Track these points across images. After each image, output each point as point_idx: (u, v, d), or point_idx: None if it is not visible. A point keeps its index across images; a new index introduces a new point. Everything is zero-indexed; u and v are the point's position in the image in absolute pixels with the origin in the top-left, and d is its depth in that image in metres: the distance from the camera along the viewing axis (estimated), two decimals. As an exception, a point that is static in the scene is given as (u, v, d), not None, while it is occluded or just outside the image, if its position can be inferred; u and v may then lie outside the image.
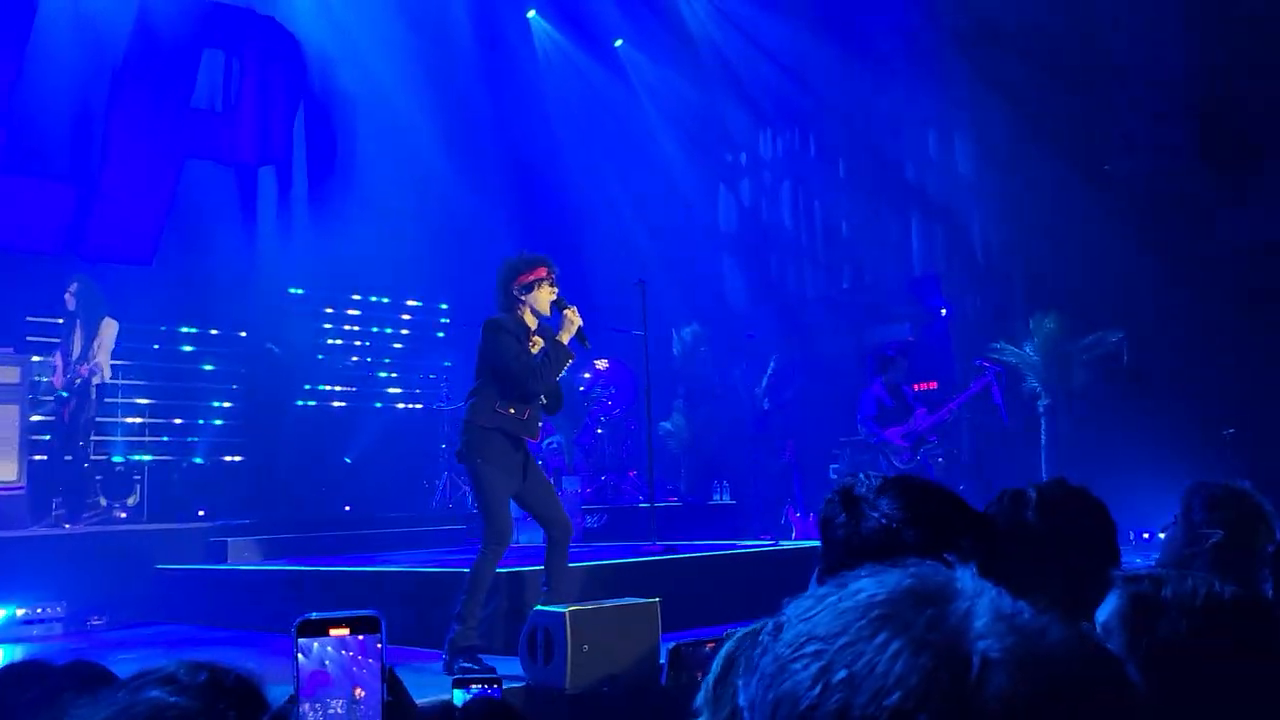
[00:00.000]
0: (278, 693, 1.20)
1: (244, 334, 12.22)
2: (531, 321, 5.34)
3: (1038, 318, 10.97)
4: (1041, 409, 11.03)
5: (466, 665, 4.95)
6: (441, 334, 14.15)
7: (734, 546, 7.86)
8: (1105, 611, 1.30)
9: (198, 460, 11.60)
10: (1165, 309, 10.92)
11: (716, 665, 1.97)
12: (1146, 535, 8.98)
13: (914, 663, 0.60)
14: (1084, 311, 10.94)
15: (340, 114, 12.86)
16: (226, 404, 12.08)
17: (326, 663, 1.12)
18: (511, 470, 5.23)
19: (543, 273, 5.33)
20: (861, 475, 1.47)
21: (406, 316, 14.04)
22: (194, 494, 10.85)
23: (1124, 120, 11.60)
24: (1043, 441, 10.96)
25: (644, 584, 6.48)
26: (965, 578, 0.67)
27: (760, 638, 0.73)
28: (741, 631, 2.03)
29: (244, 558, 8.81)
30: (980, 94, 12.01)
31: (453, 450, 12.04)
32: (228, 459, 11.83)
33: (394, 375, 13.66)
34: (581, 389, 11.37)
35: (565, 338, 5.26)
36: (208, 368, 12.09)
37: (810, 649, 0.65)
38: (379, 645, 1.13)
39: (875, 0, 12.76)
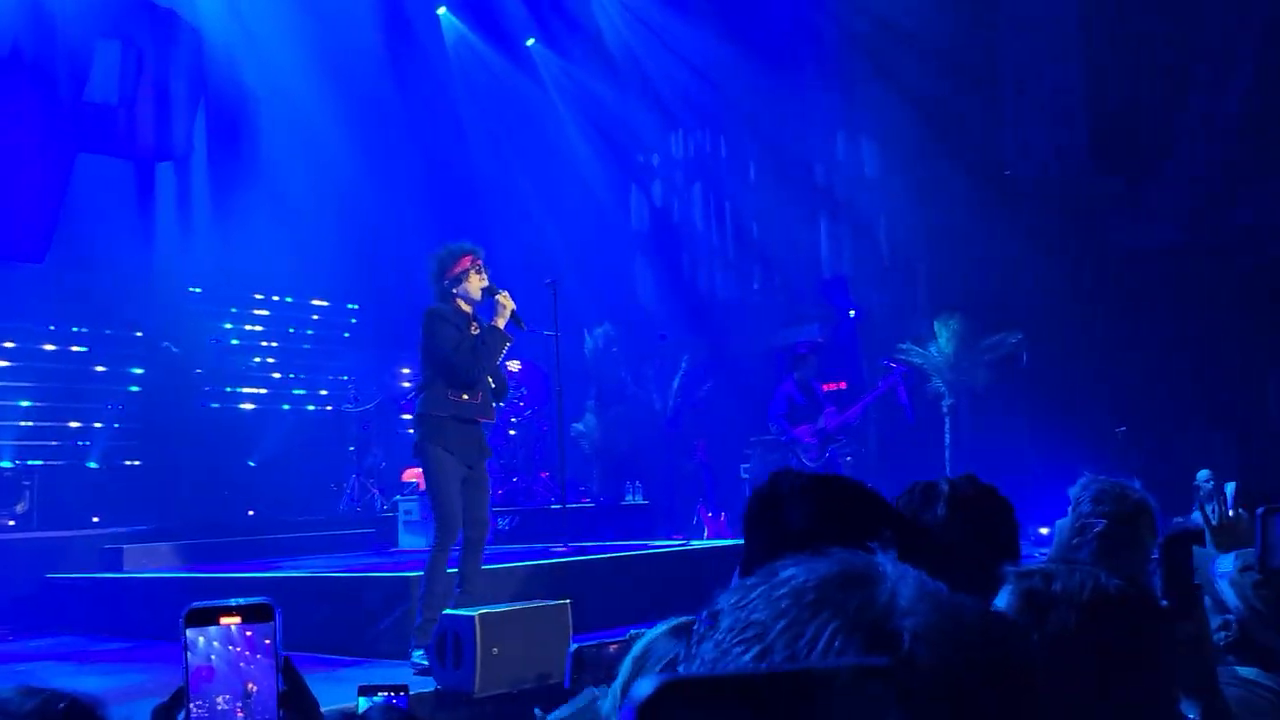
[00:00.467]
0: (130, 710, 1.14)
1: (140, 334, 11.82)
2: (467, 310, 5.43)
3: (942, 319, 11.23)
4: (945, 408, 11.29)
5: (421, 661, 5.04)
6: (349, 334, 13.90)
7: (646, 547, 7.88)
8: (998, 605, 1.33)
9: (92, 465, 11.19)
10: (1062, 310, 11.28)
11: (626, 668, 1.96)
12: (1045, 530, 9.25)
13: (849, 642, 0.64)
14: (985, 313, 11.23)
15: (244, 109, 12.52)
16: (123, 406, 11.68)
17: (213, 657, 1.06)
18: (466, 456, 5.31)
19: (467, 262, 5.42)
20: (785, 474, 1.47)
21: (314, 317, 13.75)
22: (88, 500, 10.45)
23: (1023, 126, 11.96)
24: (947, 440, 11.23)
25: (555, 586, 6.46)
26: (886, 562, 0.70)
27: (695, 628, 0.74)
28: (651, 633, 2.02)
29: (141, 565, 8.53)
30: (885, 98, 12.26)
31: (360, 452, 11.92)
32: (124, 463, 11.43)
33: (300, 376, 13.36)
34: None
35: (501, 322, 5.36)
36: (102, 369, 11.67)
37: (750, 633, 0.67)
38: (273, 635, 1.08)
39: (782, 3, 12.93)
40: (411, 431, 10.53)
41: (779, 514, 1.42)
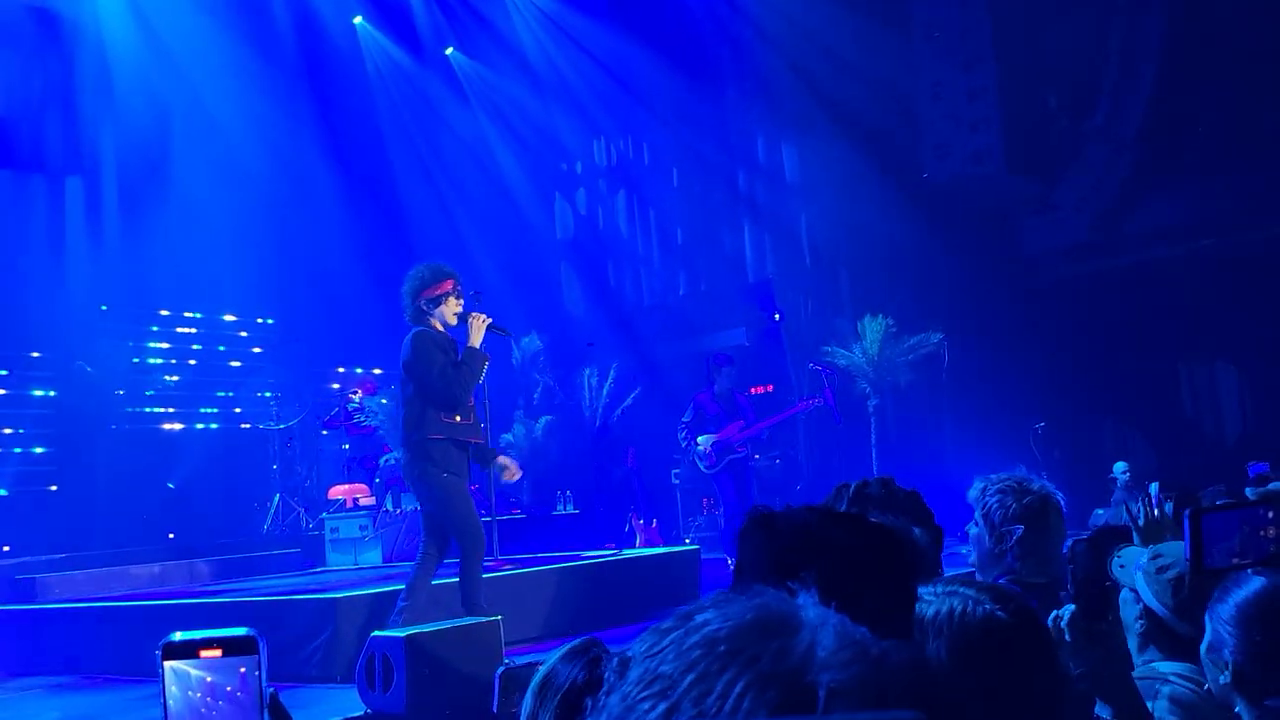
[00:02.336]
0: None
1: (50, 354, 11.43)
2: (442, 331, 5.41)
3: (865, 321, 11.39)
4: (871, 408, 11.45)
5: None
6: (267, 351, 13.60)
7: (578, 557, 7.83)
8: None
9: (1, 492, 10.79)
10: (980, 310, 11.52)
11: (528, 701, 1.93)
12: (969, 529, 9.38)
13: (761, 699, 0.60)
14: (907, 314, 11.42)
15: (155, 121, 12.20)
16: (34, 430, 11.29)
17: (192, 693, 1.01)
18: (466, 474, 5.45)
19: (449, 286, 5.37)
20: (786, 510, 1.42)
21: (237, 333, 13.44)
22: (-4, 528, 10.08)
23: (939, 131, 12.20)
24: (873, 439, 11.38)
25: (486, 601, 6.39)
26: (808, 607, 0.67)
27: (605, 675, 0.71)
28: (549, 661, 1.99)
29: (55, 595, 8.24)
30: (804, 104, 12.41)
31: (283, 471, 11.69)
32: (37, 489, 11.05)
33: (219, 394, 13.04)
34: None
35: (476, 341, 5.34)
36: (3, 392, 11.25)
37: (657, 688, 0.63)
38: (258, 669, 1.02)
39: (701, 10, 13.01)
40: (389, 460, 10.46)
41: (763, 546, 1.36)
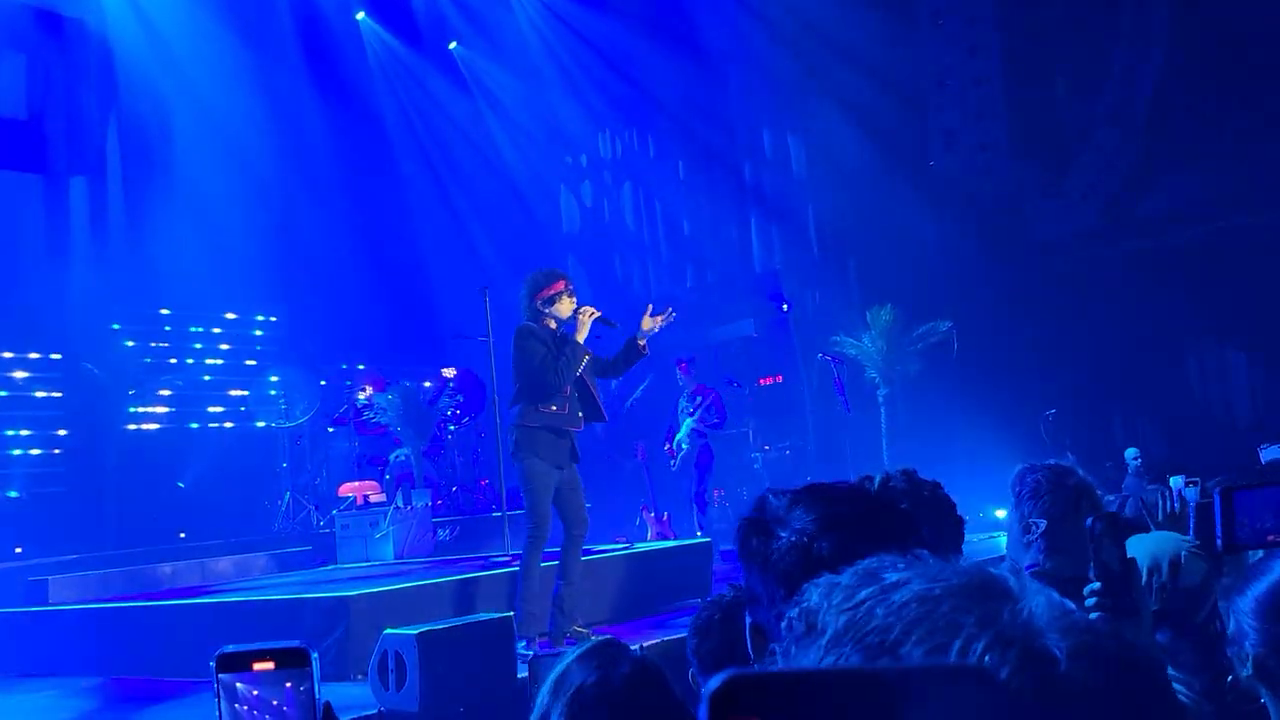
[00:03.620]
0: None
1: (59, 356, 11.44)
2: (554, 327, 5.83)
3: (873, 310, 11.35)
4: (881, 398, 11.41)
5: (524, 653, 5.27)
6: (276, 349, 13.56)
7: (589, 551, 7.81)
8: None
9: (12, 494, 10.80)
10: (989, 297, 11.47)
11: (544, 694, 1.93)
12: (980, 515, 9.41)
13: (1004, 656, 0.60)
14: (915, 302, 11.37)
15: (159, 121, 12.20)
16: (43, 431, 11.30)
17: (243, 706, 1.00)
18: (559, 462, 5.74)
19: (561, 286, 5.83)
20: (770, 493, 1.40)
21: (245, 331, 13.42)
22: (9, 530, 10.08)
23: (945, 118, 12.13)
24: (883, 429, 11.35)
25: (498, 597, 6.38)
26: (1010, 577, 0.67)
27: (779, 641, 0.70)
28: (566, 658, 2.00)
29: (68, 597, 8.24)
30: (810, 95, 12.35)
31: (293, 469, 11.69)
32: (47, 491, 11.06)
33: (228, 394, 13.04)
34: (431, 398, 11.11)
35: (581, 336, 5.77)
36: (10, 394, 11.25)
37: (874, 639, 0.63)
38: (310, 681, 1.01)
39: (707, 2, 12.95)
40: (399, 457, 10.65)
41: (767, 538, 1.35)
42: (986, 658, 0.61)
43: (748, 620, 1.34)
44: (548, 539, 5.75)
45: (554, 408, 5.73)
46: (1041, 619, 0.63)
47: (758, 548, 1.33)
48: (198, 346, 12.97)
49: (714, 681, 0.41)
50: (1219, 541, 1.34)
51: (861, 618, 0.65)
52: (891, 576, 0.66)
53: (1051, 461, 2.67)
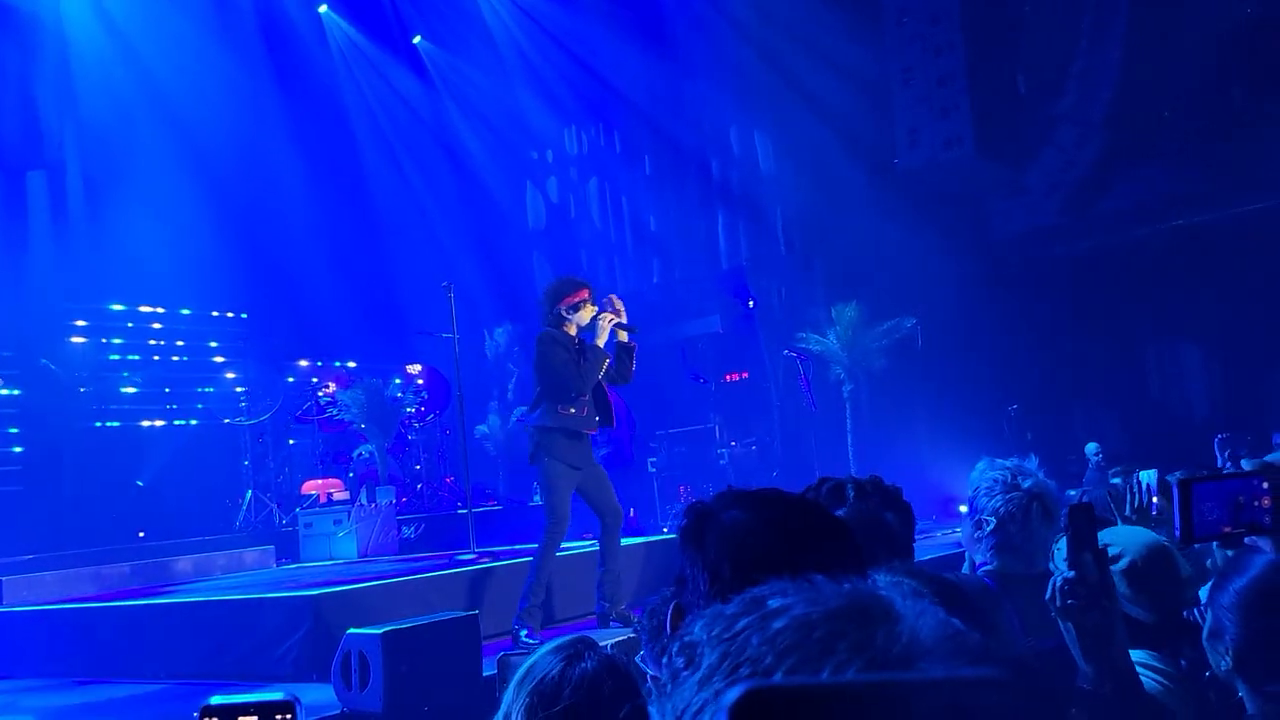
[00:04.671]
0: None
1: (5, 353, 11.21)
2: (573, 333, 5.99)
3: (838, 307, 11.40)
4: (845, 394, 11.47)
5: (526, 640, 5.50)
6: (236, 345, 13.37)
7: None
8: None
9: (-34, 493, 10.60)
10: (952, 294, 11.56)
11: (510, 692, 1.92)
12: (933, 517, 9.51)
13: None
14: (879, 299, 11.45)
15: (119, 116, 11.99)
16: (-1, 430, 11.10)
17: None
18: (577, 463, 5.93)
19: (584, 294, 5.99)
20: (730, 488, 1.45)
21: (206, 328, 13.22)
22: (-37, 530, 9.89)
23: (909, 117, 12.20)
24: (848, 425, 11.41)
25: (463, 596, 6.36)
26: (897, 597, 0.65)
27: (658, 675, 0.69)
28: (532, 656, 2.00)
29: (23, 598, 8.11)
30: (776, 91, 12.38)
31: (255, 466, 11.57)
32: (3, 490, 10.86)
33: (188, 390, 12.86)
34: (399, 395, 11.02)
35: (601, 340, 5.94)
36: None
37: (746, 670, 0.62)
38: None
39: (671, -2, 12.95)
40: (363, 454, 10.63)
41: (703, 534, 1.38)
42: None
43: (671, 602, 1.39)
44: (564, 536, 5.96)
45: (573, 410, 5.92)
46: (926, 641, 0.62)
47: (693, 535, 1.38)
48: (158, 343, 12.78)
49: (733, 692, 0.41)
50: (1177, 533, 1.36)
51: (736, 649, 0.64)
52: (774, 603, 0.65)
53: (1013, 461, 2.68)
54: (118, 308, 12.28)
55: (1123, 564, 2.17)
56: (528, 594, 5.80)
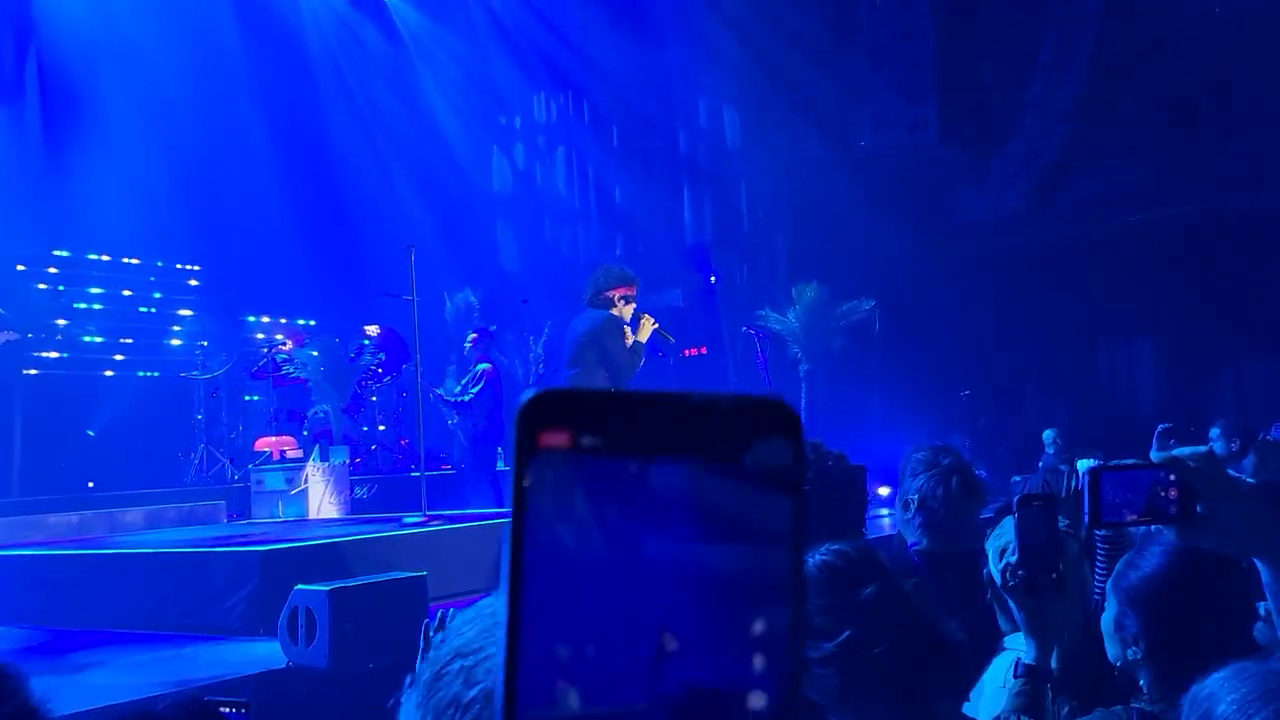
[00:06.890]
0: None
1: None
2: None
3: (799, 287, 11.50)
4: (802, 373, 11.59)
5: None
6: (193, 298, 13.25)
7: (506, 514, 7.84)
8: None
9: (-88, 438, 10.44)
10: (912, 279, 11.70)
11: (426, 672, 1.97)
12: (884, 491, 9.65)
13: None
14: (839, 280, 11.55)
15: (81, 59, 11.76)
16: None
17: None
18: None
19: (634, 290, 6.24)
20: None
21: (161, 279, 13.06)
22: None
23: (877, 100, 12.28)
24: (803, 404, 11.54)
25: (413, 557, 6.39)
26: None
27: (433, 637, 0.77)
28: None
29: (-32, 544, 8.03)
30: (747, 69, 12.40)
31: (208, 421, 11.48)
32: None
33: (143, 341, 12.71)
34: (353, 355, 10.97)
35: (644, 337, 6.15)
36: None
37: (455, 665, 0.69)
38: None
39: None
40: (318, 413, 10.61)
41: None
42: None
43: None
44: None
45: None
46: None
47: None
48: (118, 292, 12.60)
49: (525, 395, 0.44)
50: (1085, 519, 1.43)
51: (459, 643, 0.74)
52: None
53: (938, 443, 2.78)
54: (69, 254, 12.10)
55: (1009, 556, 2.24)
56: None
